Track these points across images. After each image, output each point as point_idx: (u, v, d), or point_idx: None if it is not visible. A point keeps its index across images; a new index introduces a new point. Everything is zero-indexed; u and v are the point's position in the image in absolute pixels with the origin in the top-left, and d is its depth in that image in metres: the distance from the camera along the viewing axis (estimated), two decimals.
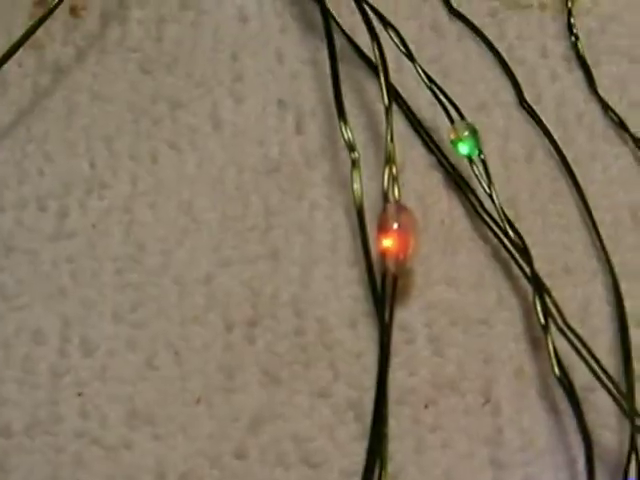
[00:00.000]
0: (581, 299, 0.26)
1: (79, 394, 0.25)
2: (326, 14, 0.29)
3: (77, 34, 0.32)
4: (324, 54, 0.29)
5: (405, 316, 0.26)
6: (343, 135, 0.27)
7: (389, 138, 0.25)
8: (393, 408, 0.25)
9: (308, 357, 0.26)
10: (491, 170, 0.28)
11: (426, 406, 0.25)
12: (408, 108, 0.29)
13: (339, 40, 0.30)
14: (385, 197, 0.25)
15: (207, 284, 0.27)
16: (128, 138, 0.29)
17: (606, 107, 0.29)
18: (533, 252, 0.26)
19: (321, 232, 0.27)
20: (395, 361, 0.25)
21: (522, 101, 0.29)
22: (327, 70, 0.29)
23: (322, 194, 0.28)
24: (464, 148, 0.27)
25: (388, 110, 0.25)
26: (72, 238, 0.28)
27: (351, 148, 0.26)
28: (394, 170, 0.25)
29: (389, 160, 0.25)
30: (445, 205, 0.27)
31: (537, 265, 0.26)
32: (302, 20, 0.31)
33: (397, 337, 0.26)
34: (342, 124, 0.27)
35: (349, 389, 0.25)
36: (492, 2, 0.32)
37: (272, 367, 0.25)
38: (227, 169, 0.28)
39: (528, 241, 0.26)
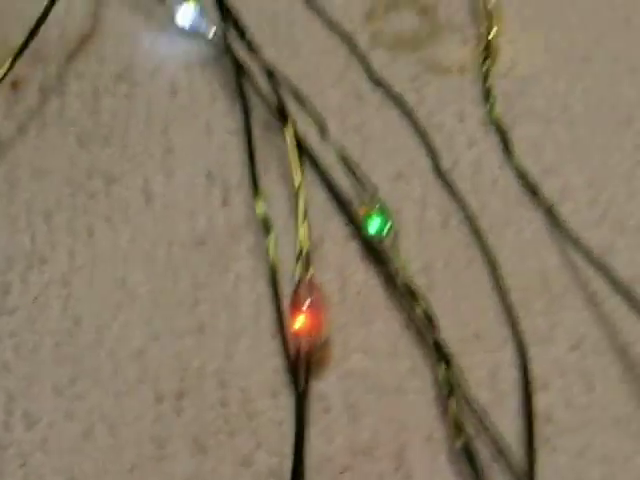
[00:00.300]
0: (491, 365, 0.28)
1: (22, 465, 0.27)
2: (242, 91, 0.30)
3: (18, 108, 0.33)
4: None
5: (323, 386, 0.27)
6: (257, 210, 0.28)
7: (300, 220, 0.26)
8: (311, 475, 0.26)
9: (232, 427, 0.27)
10: (407, 238, 0.29)
11: (342, 472, 0.26)
12: (327, 180, 0.30)
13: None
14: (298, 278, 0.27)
15: (139, 358, 0.28)
16: (66, 213, 0.31)
17: (520, 173, 0.30)
18: (446, 319, 0.27)
19: (245, 305, 0.29)
20: (313, 430, 0.27)
21: (439, 169, 0.30)
22: (254, 141, 0.30)
23: (247, 266, 0.29)
24: (373, 227, 0.28)
25: (298, 193, 0.26)
26: (14, 313, 0.29)
27: (265, 224, 0.28)
28: (304, 251, 0.27)
29: (301, 243, 0.26)
30: (362, 276, 0.29)
31: (449, 332, 0.27)
32: (230, 89, 0.33)
33: (315, 406, 0.27)
34: (257, 199, 0.28)
35: (270, 457, 0.27)
36: (413, 67, 0.33)
37: (199, 437, 0.27)
38: (158, 243, 0.30)
39: (441, 308, 0.28)
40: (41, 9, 0.34)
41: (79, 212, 0.31)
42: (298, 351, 0.27)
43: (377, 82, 0.31)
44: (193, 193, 0.31)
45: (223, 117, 0.32)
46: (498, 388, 0.27)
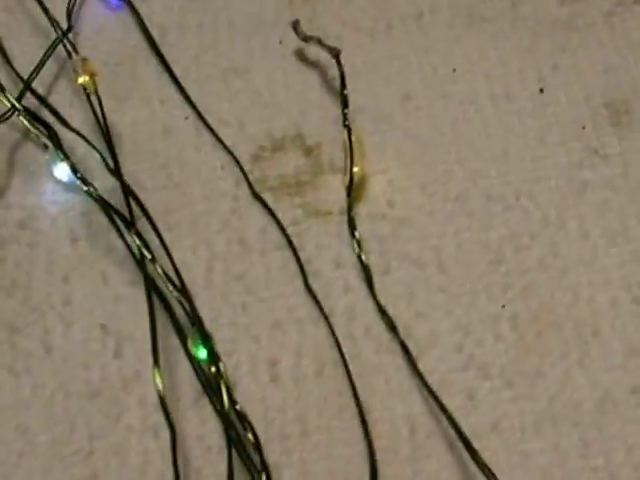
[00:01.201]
0: None
1: None
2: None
3: None
4: None
5: None
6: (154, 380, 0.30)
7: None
8: None
9: None
10: (284, 387, 0.31)
11: None
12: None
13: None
14: None
15: None
16: None
17: (389, 320, 0.31)
18: (318, 467, 0.29)
19: (134, 455, 0.31)
20: None
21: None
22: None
23: (137, 417, 0.31)
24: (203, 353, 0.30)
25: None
26: None
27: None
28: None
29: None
30: None
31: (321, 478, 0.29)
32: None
33: None
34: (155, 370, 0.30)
35: None
36: (294, 210, 0.34)
37: None
38: (57, 393, 0.32)
39: (313, 456, 0.29)
40: None
41: None
42: None
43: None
44: (88, 345, 0.32)
45: (119, 268, 0.33)
46: None
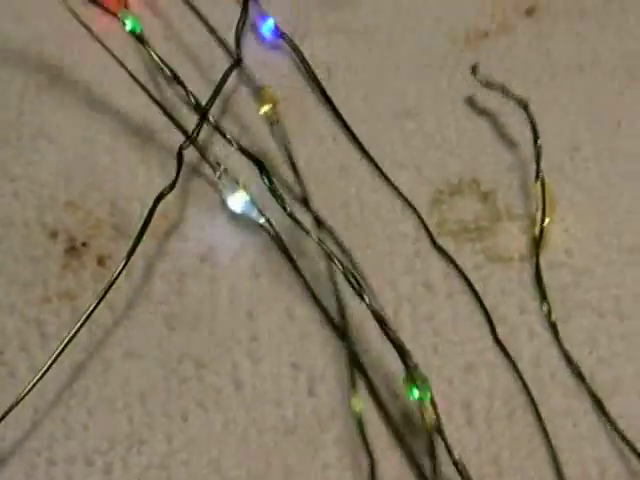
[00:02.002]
0: None
1: None
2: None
3: (105, 285, 0.35)
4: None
5: None
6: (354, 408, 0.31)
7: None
8: None
9: None
10: (476, 429, 0.32)
11: None
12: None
13: None
14: None
15: None
16: (161, 395, 0.33)
17: (575, 367, 0.33)
18: None
19: None
20: None
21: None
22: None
23: (334, 455, 0.32)
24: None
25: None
26: None
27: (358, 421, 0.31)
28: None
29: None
30: None
31: None
32: (311, 277, 0.35)
33: None
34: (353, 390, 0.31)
35: None
36: (476, 256, 0.35)
37: None
38: (250, 429, 0.33)
39: None
40: (120, 181, 0.37)
41: (173, 396, 0.33)
42: None
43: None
44: (280, 381, 0.33)
45: (304, 304, 0.34)
46: None
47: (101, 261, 0.36)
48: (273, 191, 0.33)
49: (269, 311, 0.35)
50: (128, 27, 0.36)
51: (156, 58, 0.35)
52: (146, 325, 0.35)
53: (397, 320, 0.34)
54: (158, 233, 0.36)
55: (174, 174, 0.35)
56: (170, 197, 0.35)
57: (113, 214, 0.37)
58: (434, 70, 0.40)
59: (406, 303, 0.34)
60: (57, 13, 0.39)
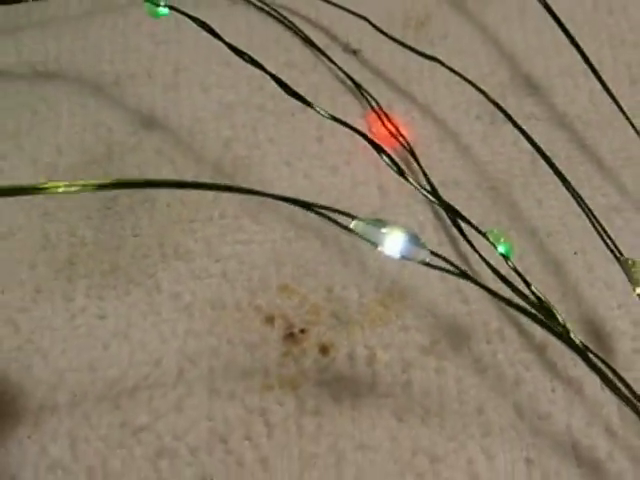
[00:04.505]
0: None
1: None
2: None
3: (328, 374, 0.36)
4: None
5: None
6: None
7: None
8: None
9: None
10: None
11: None
12: None
13: None
14: None
15: None
16: None
17: None
18: None
19: None
20: None
21: None
22: None
23: None
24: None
25: None
26: None
27: None
28: None
29: None
30: None
31: None
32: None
33: None
34: None
35: None
36: None
37: None
38: None
39: None
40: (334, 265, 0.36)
41: None
42: None
43: None
44: (514, 477, 0.34)
45: (530, 399, 0.34)
46: None
47: (324, 349, 0.37)
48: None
49: (498, 407, 0.35)
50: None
51: None
52: (374, 416, 0.35)
53: None
54: (375, 321, 0.36)
55: None
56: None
57: (330, 300, 0.38)
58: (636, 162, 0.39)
59: None
60: None
